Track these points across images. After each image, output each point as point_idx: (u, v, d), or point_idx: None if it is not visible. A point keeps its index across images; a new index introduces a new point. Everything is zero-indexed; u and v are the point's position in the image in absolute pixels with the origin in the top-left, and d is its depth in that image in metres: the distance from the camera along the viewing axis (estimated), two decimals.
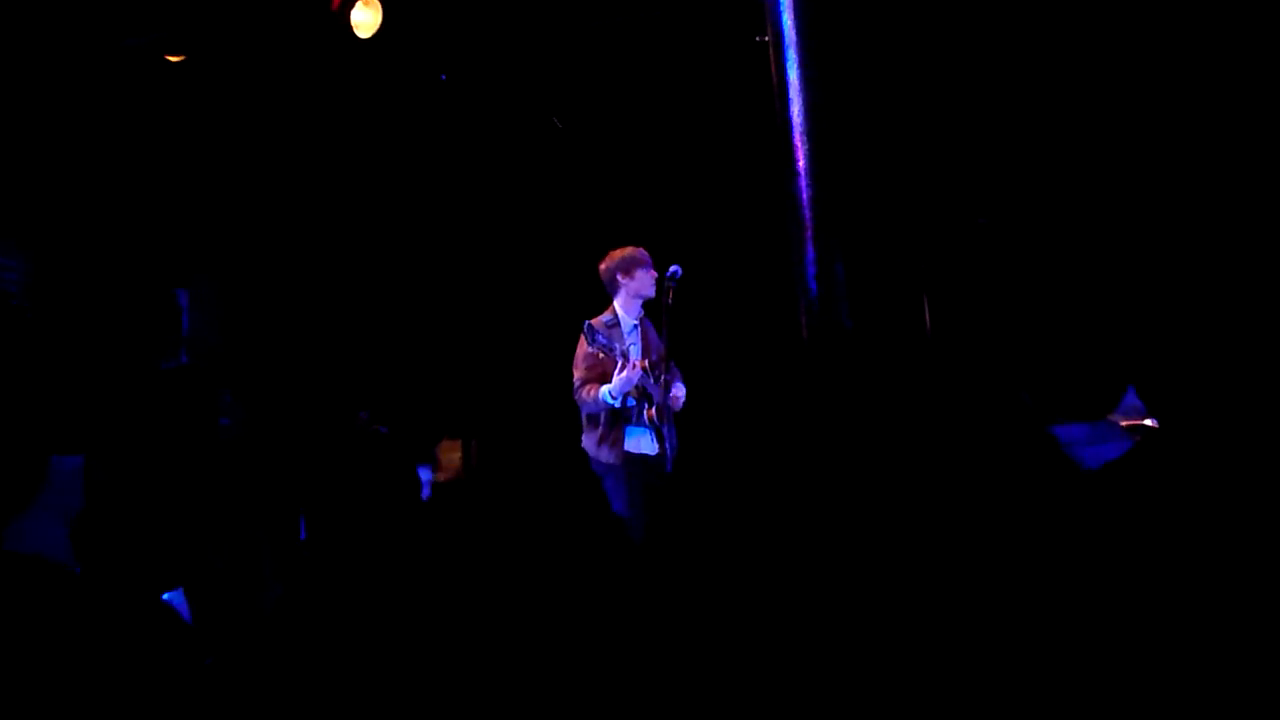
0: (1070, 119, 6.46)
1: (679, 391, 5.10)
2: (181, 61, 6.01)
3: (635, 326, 5.10)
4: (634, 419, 4.95)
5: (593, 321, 4.93)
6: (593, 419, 4.97)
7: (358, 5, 5.77)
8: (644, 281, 5.02)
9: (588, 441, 4.97)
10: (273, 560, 6.10)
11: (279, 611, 2.83)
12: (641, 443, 4.95)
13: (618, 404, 4.85)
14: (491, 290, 7.38)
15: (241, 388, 6.30)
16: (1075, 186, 6.53)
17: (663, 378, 4.92)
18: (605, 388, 4.82)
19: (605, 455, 4.90)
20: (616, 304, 5.08)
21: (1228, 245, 5.95)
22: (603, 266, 5.11)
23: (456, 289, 7.43)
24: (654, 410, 4.91)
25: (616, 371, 4.79)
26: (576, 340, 5.00)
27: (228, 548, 5.94)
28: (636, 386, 4.87)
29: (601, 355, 4.82)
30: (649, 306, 5.13)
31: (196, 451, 5.89)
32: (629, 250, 5.09)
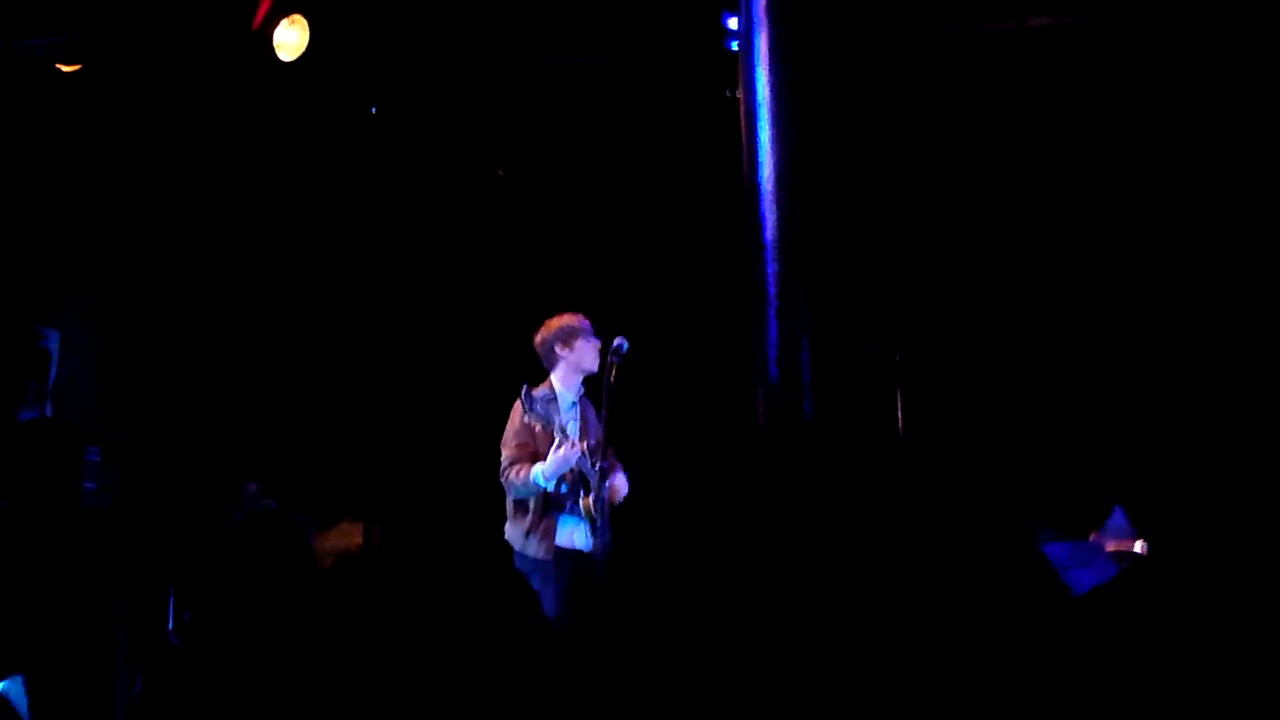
0: (1063, 207, 6.66)
1: (620, 482, 5.07)
2: (76, 73, 5.98)
3: (574, 404, 5.09)
4: (567, 508, 4.91)
5: (531, 390, 4.92)
6: (520, 505, 4.91)
7: (282, 24, 5.80)
8: (585, 353, 5.01)
9: (513, 531, 4.91)
10: (132, 651, 5.94)
11: (137, 712, 2.76)
12: (575, 536, 4.90)
13: (550, 487, 4.81)
14: (408, 350, 7.33)
15: (113, 447, 6.17)
16: (1065, 279, 6.70)
17: (599, 464, 4.89)
18: (538, 467, 4.76)
19: (533, 548, 4.83)
20: (554, 378, 5.06)
21: (1230, 345, 6.13)
22: (538, 337, 5.09)
23: (366, 344, 7.37)
24: (590, 499, 4.86)
25: (553, 449, 4.74)
26: (506, 413, 4.97)
27: (80, 634, 5.77)
28: (573, 470, 4.83)
29: (538, 428, 4.77)
30: (589, 384, 5.12)
31: (53, 519, 5.74)
32: (569, 318, 5.08)
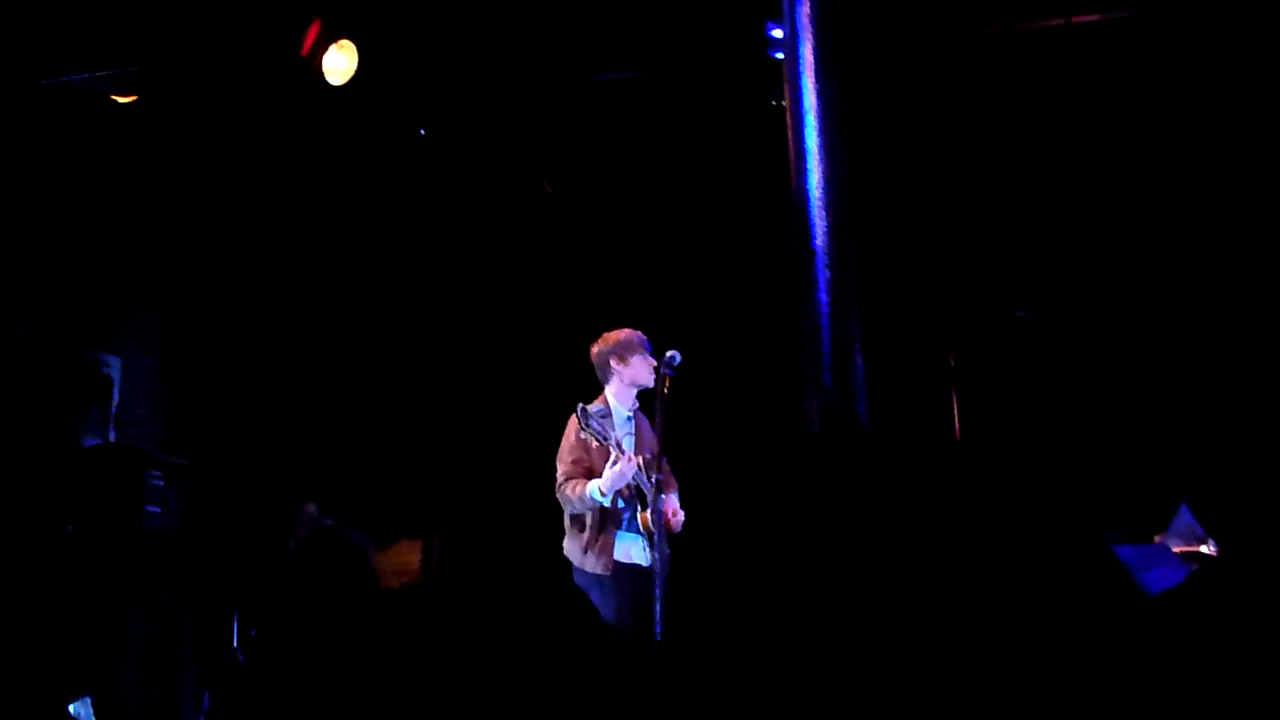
0: (1122, 203, 6.58)
1: (675, 504, 5.06)
2: (131, 103, 6.09)
3: (629, 418, 5.09)
4: (624, 523, 4.90)
5: (586, 406, 4.92)
6: (577, 520, 4.91)
7: (330, 50, 5.87)
8: (640, 369, 5.00)
9: (571, 547, 4.91)
10: (198, 670, 6.01)
11: None
12: (633, 551, 4.89)
13: (607, 502, 4.80)
14: (466, 369, 7.38)
15: (175, 471, 6.26)
16: (1122, 277, 6.62)
17: (655, 477, 4.88)
18: (594, 483, 4.76)
19: (590, 563, 4.83)
20: (608, 392, 5.07)
21: None
22: (594, 350, 5.10)
23: (424, 365, 7.44)
24: (648, 514, 4.85)
25: (609, 465, 4.73)
26: (561, 429, 4.98)
27: (146, 655, 5.85)
28: (630, 485, 4.82)
29: (594, 444, 4.78)
30: (643, 397, 5.11)
31: (118, 542, 5.84)
32: (624, 333, 5.09)
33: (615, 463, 4.71)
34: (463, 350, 7.41)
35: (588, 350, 5.14)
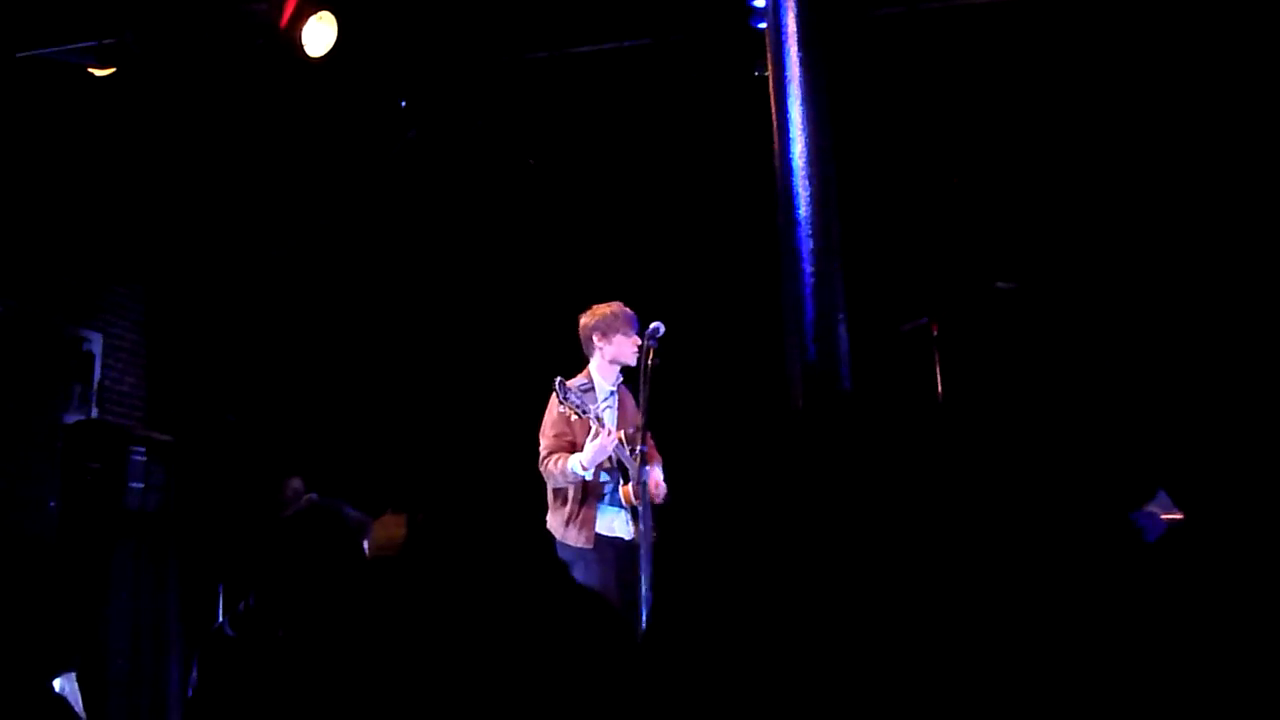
0: (1105, 175, 6.59)
1: (658, 475, 5.07)
2: (109, 76, 6.04)
3: (612, 393, 5.11)
4: (607, 496, 4.92)
5: (566, 380, 4.92)
6: (560, 494, 4.93)
7: (310, 20, 5.82)
8: (622, 347, 5.02)
9: (554, 521, 4.93)
10: (185, 644, 6.02)
11: (194, 705, 2.80)
12: (615, 524, 4.92)
13: (589, 476, 4.81)
14: (450, 341, 7.37)
15: (158, 447, 6.24)
16: (1105, 250, 6.63)
17: (638, 450, 4.89)
18: (575, 457, 4.79)
19: (573, 537, 4.86)
20: (591, 367, 5.09)
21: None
22: (581, 322, 5.11)
23: (408, 338, 7.42)
24: (629, 487, 4.87)
25: (589, 438, 4.75)
26: (546, 402, 4.99)
27: (132, 630, 5.85)
28: (612, 458, 4.84)
29: (573, 418, 4.80)
30: (627, 371, 5.12)
31: (101, 519, 5.83)
32: (611, 309, 5.09)
33: (595, 436, 4.71)
34: (447, 323, 7.39)
35: (575, 321, 5.15)
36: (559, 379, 4.81)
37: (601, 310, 5.09)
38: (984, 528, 1.19)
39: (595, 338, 5.05)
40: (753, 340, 6.33)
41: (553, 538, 4.89)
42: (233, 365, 7.26)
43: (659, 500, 5.02)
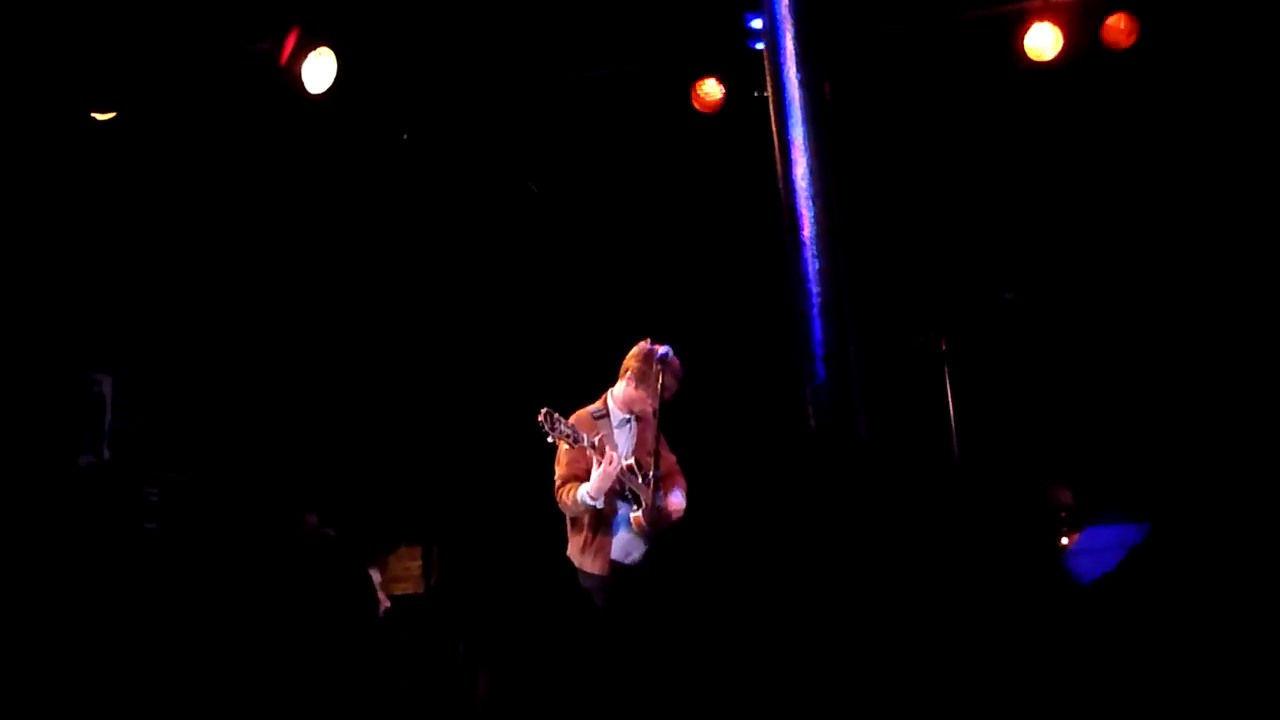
0: (1112, 183, 6.59)
1: (676, 500, 5.07)
2: (111, 119, 6.08)
3: (627, 420, 5.11)
4: (621, 524, 4.93)
5: (577, 415, 4.92)
6: (576, 523, 4.96)
7: (309, 57, 5.85)
8: (636, 400, 5.00)
9: (572, 549, 4.95)
10: (204, 692, 6.01)
11: None
12: (633, 551, 4.92)
13: (599, 505, 4.83)
14: (466, 372, 7.36)
15: (171, 487, 6.25)
16: (1111, 258, 6.63)
17: (651, 475, 4.90)
18: (584, 487, 4.81)
19: (589, 565, 4.87)
20: (614, 391, 5.10)
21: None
22: (632, 351, 5.07)
23: (422, 370, 7.42)
24: (640, 513, 4.87)
25: (595, 466, 4.78)
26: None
27: (148, 676, 5.84)
28: (622, 485, 4.85)
29: (566, 446, 4.81)
30: None
31: (115, 560, 5.83)
32: (667, 362, 4.99)
33: (600, 464, 4.76)
34: (463, 353, 7.38)
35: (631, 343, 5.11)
36: (546, 411, 4.77)
37: (650, 360, 5.00)
38: (1000, 549, 1.19)
39: (627, 376, 5.05)
40: (762, 365, 6.33)
41: (574, 567, 4.89)
42: (244, 403, 7.27)
43: (673, 518, 4.99)
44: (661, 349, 4.99)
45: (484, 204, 7.32)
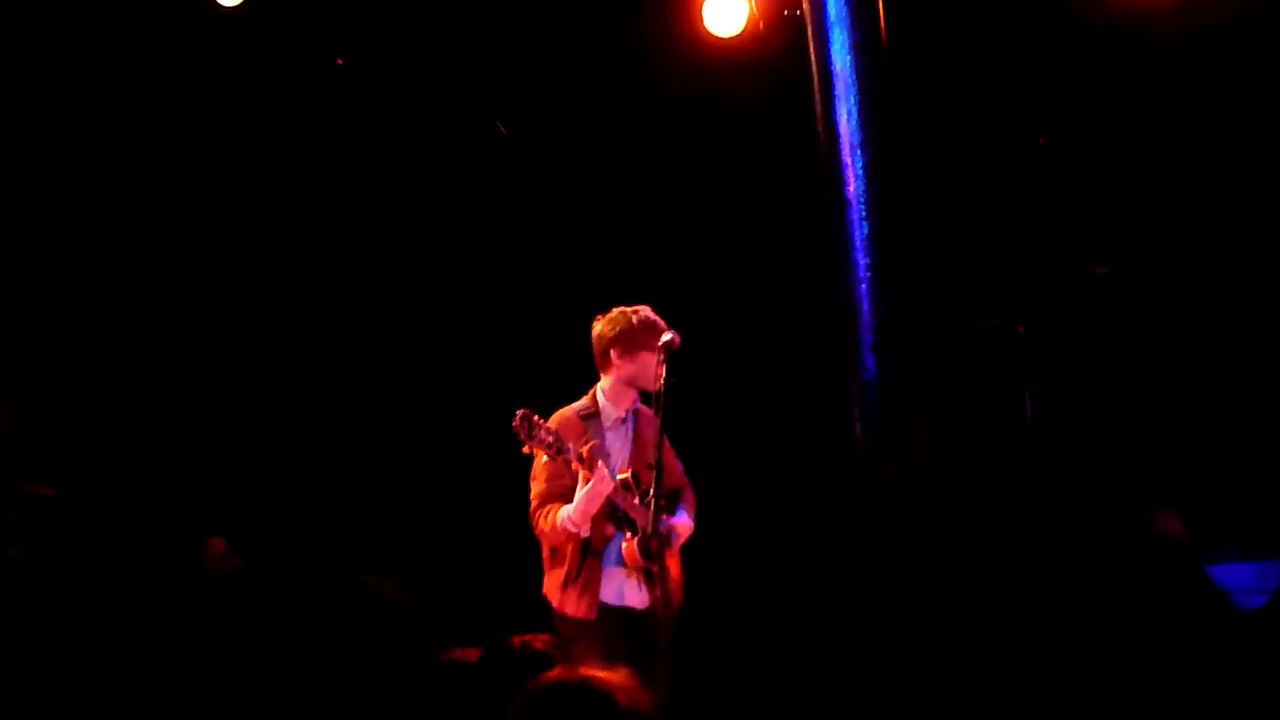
0: (1218, 133, 6.60)
1: (681, 520, 5.05)
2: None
3: (623, 420, 5.07)
4: (613, 554, 4.88)
5: (560, 416, 4.89)
6: (557, 554, 4.92)
7: None
8: (648, 368, 4.92)
9: (550, 585, 4.93)
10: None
11: None
12: (625, 590, 4.91)
13: (585, 531, 4.80)
14: (409, 361, 7.34)
15: (37, 504, 6.27)
16: (1229, 225, 6.63)
17: (651, 494, 4.82)
18: (566, 509, 4.75)
19: (572, 605, 4.84)
20: (600, 388, 5.05)
21: None
22: (597, 331, 5.02)
23: (353, 354, 7.38)
24: (636, 542, 4.85)
25: (579, 483, 4.72)
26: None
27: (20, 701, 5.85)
28: (614, 506, 4.83)
29: (544, 458, 4.73)
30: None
31: None
32: (639, 315, 4.98)
33: (587, 481, 4.68)
34: (411, 337, 7.34)
35: (589, 326, 5.05)
36: (523, 412, 4.73)
37: (624, 318, 4.98)
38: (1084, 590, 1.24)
39: (614, 353, 4.97)
40: (795, 354, 6.31)
41: (549, 606, 4.90)
42: (131, 402, 7.22)
43: (675, 543, 4.99)
44: (666, 335, 4.92)
45: (447, 157, 7.29)
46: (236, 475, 7.06)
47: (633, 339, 4.95)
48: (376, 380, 7.32)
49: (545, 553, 4.98)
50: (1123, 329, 6.61)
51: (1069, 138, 6.80)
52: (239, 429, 7.22)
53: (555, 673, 2.06)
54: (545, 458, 4.75)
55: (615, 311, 5.01)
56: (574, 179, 7.19)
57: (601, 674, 1.99)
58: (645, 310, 5.00)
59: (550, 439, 4.70)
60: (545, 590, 4.95)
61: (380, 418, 7.28)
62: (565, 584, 4.86)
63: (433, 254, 7.33)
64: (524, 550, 5.09)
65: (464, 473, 6.88)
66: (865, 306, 4.04)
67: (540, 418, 4.74)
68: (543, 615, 4.88)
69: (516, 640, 2.71)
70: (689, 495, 5.21)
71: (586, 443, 4.84)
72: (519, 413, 4.66)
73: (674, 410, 4.87)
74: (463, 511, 6.89)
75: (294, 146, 7.17)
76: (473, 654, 2.67)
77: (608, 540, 4.87)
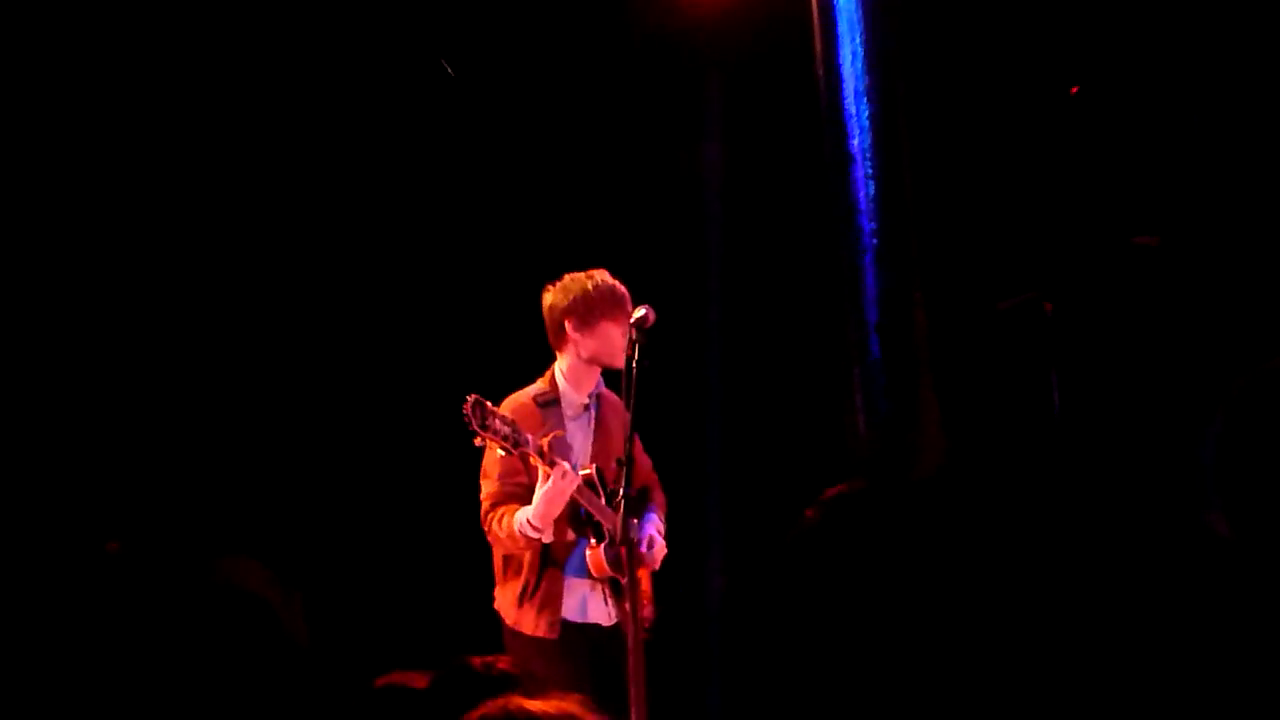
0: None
1: (652, 529, 5.06)
2: None
3: (587, 408, 5.08)
4: (576, 565, 4.89)
5: (511, 404, 4.87)
6: (511, 563, 4.91)
7: None
8: (610, 341, 4.92)
9: (503, 599, 4.93)
10: None
11: None
12: (589, 604, 4.92)
13: (545, 537, 4.79)
14: (338, 341, 7.33)
15: None
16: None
17: (621, 494, 4.84)
18: (523, 511, 4.74)
19: (529, 623, 4.84)
20: (557, 368, 5.05)
21: None
22: (548, 301, 5.02)
23: (274, 335, 7.36)
24: (602, 550, 4.84)
25: (539, 481, 4.70)
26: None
27: None
28: (577, 507, 4.83)
29: (500, 453, 4.69)
30: (611, 374, 5.05)
31: None
32: (595, 281, 4.98)
33: (548, 479, 4.66)
34: (340, 314, 7.33)
35: (539, 297, 5.03)
36: (475, 399, 4.66)
37: (578, 285, 4.98)
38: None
39: (569, 325, 4.94)
40: (788, 330, 6.33)
41: (501, 622, 4.89)
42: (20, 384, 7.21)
43: (652, 565, 5.02)
44: (639, 311, 4.92)
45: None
46: (139, 469, 7.05)
47: (590, 308, 4.93)
48: (291, 356, 7.31)
49: (497, 561, 4.97)
50: (1166, 309, 6.60)
51: (1104, 85, 6.77)
52: (144, 417, 7.20)
53: (495, 706, 1.98)
54: (500, 452, 4.70)
55: (567, 278, 5.00)
56: (526, 125, 7.18)
57: (550, 706, 1.93)
58: (603, 274, 4.99)
59: (507, 430, 4.65)
60: (497, 605, 4.94)
61: (300, 399, 7.27)
62: (521, 599, 4.87)
63: (358, 205, 7.33)
64: (469, 557, 5.10)
65: (396, 466, 6.87)
66: (870, 280, 4.03)
67: (493, 405, 4.69)
68: (491, 632, 4.88)
69: (477, 661, 2.66)
70: (659, 496, 5.23)
71: (547, 433, 4.83)
72: (470, 398, 4.59)
73: (644, 397, 4.84)
74: (388, 512, 6.89)
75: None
76: (419, 679, 2.61)
77: (570, 547, 4.87)
